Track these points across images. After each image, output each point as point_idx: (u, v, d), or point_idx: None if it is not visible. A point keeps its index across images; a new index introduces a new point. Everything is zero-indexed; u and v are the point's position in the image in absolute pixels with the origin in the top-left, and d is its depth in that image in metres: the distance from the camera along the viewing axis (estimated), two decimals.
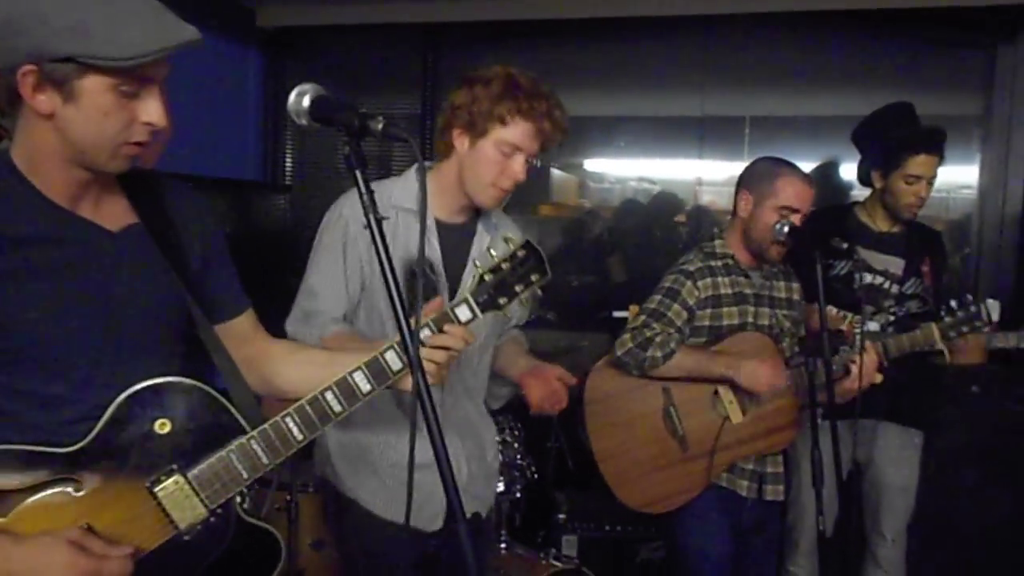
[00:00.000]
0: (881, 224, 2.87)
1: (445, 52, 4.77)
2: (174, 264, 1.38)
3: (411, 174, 2.03)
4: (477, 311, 1.52)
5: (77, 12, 1.14)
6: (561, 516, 3.43)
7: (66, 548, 1.21)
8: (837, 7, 4.07)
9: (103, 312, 1.32)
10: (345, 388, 1.42)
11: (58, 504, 1.27)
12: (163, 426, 1.33)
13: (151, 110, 1.24)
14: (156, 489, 1.32)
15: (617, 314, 4.13)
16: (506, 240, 1.56)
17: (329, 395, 1.41)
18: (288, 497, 2.85)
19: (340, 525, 2.05)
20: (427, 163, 2.02)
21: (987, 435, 3.41)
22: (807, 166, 4.19)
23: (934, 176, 2.78)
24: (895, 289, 2.83)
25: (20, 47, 1.15)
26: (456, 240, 2.01)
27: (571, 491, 3.47)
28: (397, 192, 1.97)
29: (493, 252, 1.55)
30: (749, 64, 4.40)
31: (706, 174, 4.49)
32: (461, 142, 1.92)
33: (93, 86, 1.18)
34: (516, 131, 1.87)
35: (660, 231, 4.70)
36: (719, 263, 2.52)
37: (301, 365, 1.55)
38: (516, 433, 3.17)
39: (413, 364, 1.20)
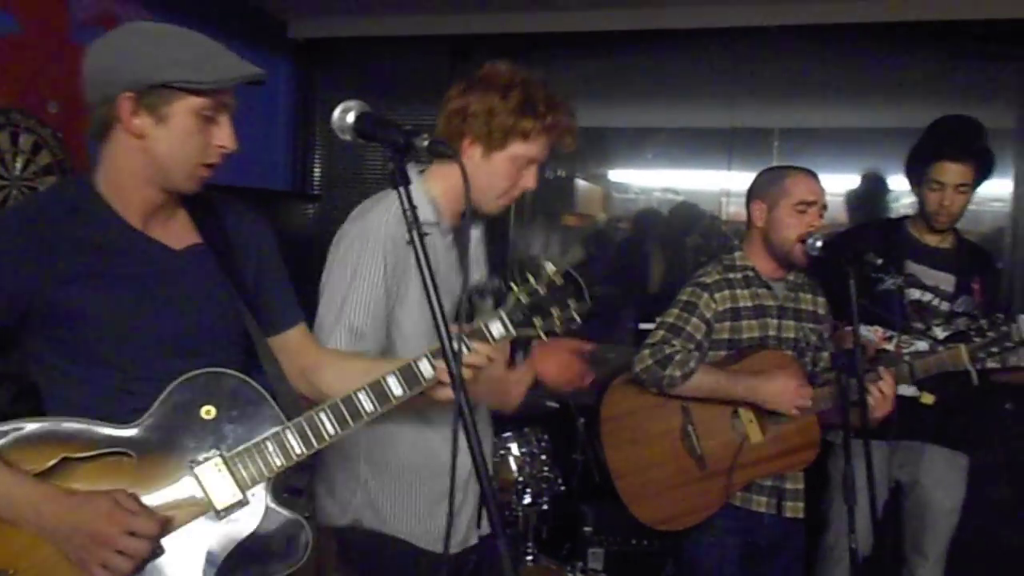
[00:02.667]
0: (930, 239, 2.79)
1: (474, 64, 4.75)
2: (232, 279, 1.53)
3: (417, 183, 1.86)
4: (510, 328, 1.55)
5: (171, 48, 1.39)
6: (588, 529, 3.42)
7: (106, 499, 1.37)
8: (868, 20, 4.05)
9: (164, 319, 1.48)
10: (377, 390, 1.51)
11: (110, 472, 1.42)
12: (208, 412, 1.46)
13: (224, 134, 1.45)
14: (196, 469, 1.44)
15: (644, 326, 4.12)
16: (544, 267, 1.57)
17: (362, 395, 1.50)
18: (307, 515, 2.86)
19: (379, 562, 1.95)
20: (420, 167, 1.94)
21: (1020, 452, 3.37)
22: (838, 178, 4.19)
23: (963, 184, 2.67)
24: (945, 307, 2.74)
25: (121, 79, 1.38)
26: (462, 243, 1.92)
27: (597, 504, 3.46)
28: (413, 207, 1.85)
29: (531, 275, 1.56)
30: (778, 76, 4.38)
31: (734, 185, 4.49)
32: (473, 151, 1.84)
33: (180, 109, 1.40)
34: (535, 146, 1.84)
35: (689, 242, 4.68)
36: (738, 275, 2.50)
37: (347, 373, 1.64)
38: (543, 445, 3.17)
39: (455, 381, 1.21)
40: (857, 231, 3.27)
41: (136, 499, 1.40)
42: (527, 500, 3.04)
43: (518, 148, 1.82)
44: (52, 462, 1.39)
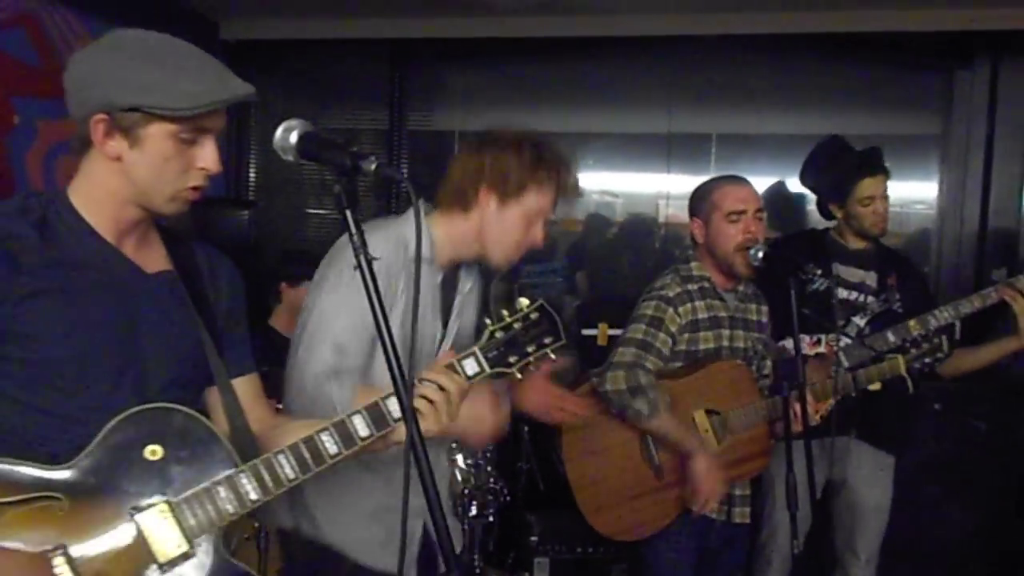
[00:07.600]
0: (853, 242, 3.00)
1: (412, 68, 4.74)
2: (200, 312, 1.45)
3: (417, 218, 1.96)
4: (485, 366, 1.49)
5: (145, 69, 1.31)
6: (533, 538, 3.40)
7: (28, 560, 1.22)
8: (801, 30, 4.16)
9: (125, 342, 1.37)
10: (342, 431, 1.40)
11: (37, 520, 1.26)
12: (154, 453, 1.32)
13: (207, 156, 1.37)
14: (138, 517, 1.30)
15: (586, 332, 4.12)
16: (518, 302, 1.55)
17: (325, 435, 1.39)
18: (256, 525, 2.79)
19: (314, 571, 1.95)
20: (427, 206, 1.96)
21: (949, 451, 3.49)
22: (769, 182, 4.29)
23: (886, 191, 2.95)
24: (870, 300, 2.95)
25: (94, 99, 1.31)
26: (448, 289, 2.00)
27: (543, 512, 3.45)
28: (413, 239, 1.77)
29: (505, 312, 1.54)
30: (715, 83, 4.46)
31: (672, 188, 4.53)
32: (488, 200, 1.90)
33: (156, 133, 1.32)
34: (547, 198, 1.92)
35: (629, 250, 4.72)
36: (695, 287, 2.52)
37: (294, 431, 1.50)
38: (488, 455, 3.15)
39: (407, 413, 1.18)
40: (785, 242, 3.41)
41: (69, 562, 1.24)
42: (473, 512, 3.01)
43: (532, 200, 1.89)
44: None
